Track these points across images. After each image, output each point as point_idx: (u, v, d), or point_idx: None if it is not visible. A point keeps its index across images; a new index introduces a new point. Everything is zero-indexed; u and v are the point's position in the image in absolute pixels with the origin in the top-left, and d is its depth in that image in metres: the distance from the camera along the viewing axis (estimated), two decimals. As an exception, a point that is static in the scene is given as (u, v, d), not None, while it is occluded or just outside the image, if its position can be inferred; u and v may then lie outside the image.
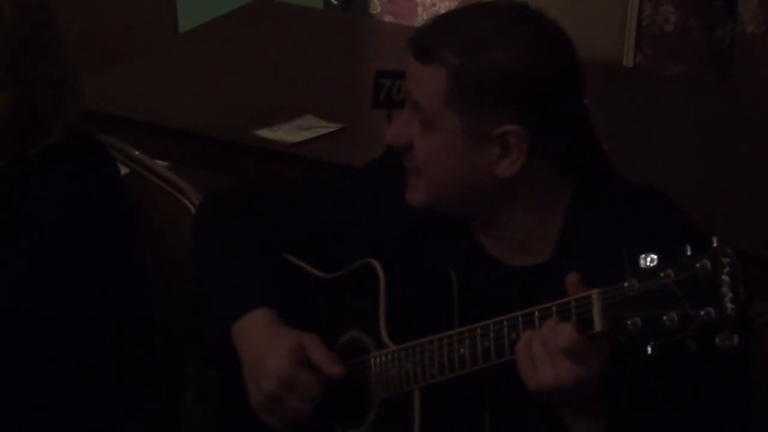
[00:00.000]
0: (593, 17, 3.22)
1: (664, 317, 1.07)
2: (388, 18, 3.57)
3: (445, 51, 1.28)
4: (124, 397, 1.69)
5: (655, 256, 1.09)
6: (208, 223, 1.59)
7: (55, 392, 1.60)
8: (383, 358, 1.35)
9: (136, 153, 1.83)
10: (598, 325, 1.13)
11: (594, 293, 1.13)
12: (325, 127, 2.32)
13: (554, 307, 1.17)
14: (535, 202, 1.34)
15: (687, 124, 2.57)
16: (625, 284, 1.11)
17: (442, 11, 3.49)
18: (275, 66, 2.66)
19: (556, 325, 1.15)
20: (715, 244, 1.06)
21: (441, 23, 1.36)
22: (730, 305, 1.04)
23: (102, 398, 1.65)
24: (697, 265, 1.06)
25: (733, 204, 2.13)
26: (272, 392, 1.37)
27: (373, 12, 3.58)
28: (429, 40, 1.32)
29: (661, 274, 1.08)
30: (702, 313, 1.05)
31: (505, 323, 1.21)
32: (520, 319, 1.19)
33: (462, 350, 1.25)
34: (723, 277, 1.05)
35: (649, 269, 1.09)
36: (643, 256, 1.10)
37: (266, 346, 1.39)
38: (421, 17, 3.56)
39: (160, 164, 1.92)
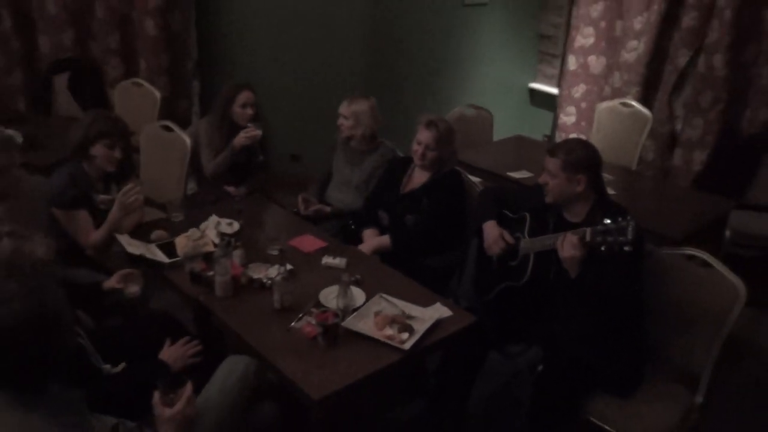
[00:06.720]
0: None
1: (609, 238, 3.25)
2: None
3: (559, 153, 3.54)
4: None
5: (609, 220, 3.29)
6: (478, 197, 4.12)
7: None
8: (527, 241, 3.73)
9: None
10: (588, 237, 3.32)
11: (589, 229, 3.33)
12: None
13: (579, 231, 3.36)
14: (583, 200, 3.52)
15: None
16: (598, 226, 3.30)
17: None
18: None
19: (572, 237, 3.41)
20: (628, 216, 3.27)
21: (558, 145, 3.52)
22: (630, 236, 3.24)
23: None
24: (622, 221, 3.28)
25: None
26: (492, 237, 3.83)
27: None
28: (554, 150, 3.52)
29: (609, 222, 3.27)
30: (621, 238, 3.25)
31: (562, 234, 3.49)
32: (568, 233, 3.43)
33: (546, 242, 3.58)
34: (629, 227, 3.22)
35: (607, 223, 3.27)
36: (607, 218, 3.29)
37: (490, 228, 3.88)
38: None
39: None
